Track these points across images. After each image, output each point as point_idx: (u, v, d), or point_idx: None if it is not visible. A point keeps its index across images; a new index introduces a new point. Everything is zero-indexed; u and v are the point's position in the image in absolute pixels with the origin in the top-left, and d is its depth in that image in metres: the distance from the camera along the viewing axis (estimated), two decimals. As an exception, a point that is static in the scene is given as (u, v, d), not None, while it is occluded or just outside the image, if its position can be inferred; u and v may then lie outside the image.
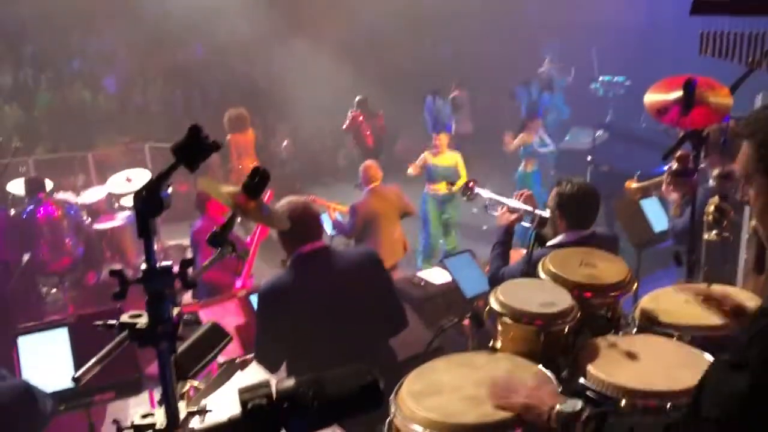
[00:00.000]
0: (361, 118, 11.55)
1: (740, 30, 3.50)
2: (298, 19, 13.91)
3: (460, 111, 12.66)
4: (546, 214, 3.79)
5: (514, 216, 3.97)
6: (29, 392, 2.78)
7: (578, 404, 1.84)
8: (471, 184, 4.43)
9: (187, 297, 5.04)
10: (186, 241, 8.92)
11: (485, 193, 4.35)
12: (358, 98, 11.70)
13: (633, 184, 4.71)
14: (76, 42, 14.15)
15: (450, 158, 8.32)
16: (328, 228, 6.84)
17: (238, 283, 5.41)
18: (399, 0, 14.18)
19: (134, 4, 13.36)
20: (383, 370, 1.52)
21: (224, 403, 1.62)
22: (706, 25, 3.63)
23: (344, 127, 11.75)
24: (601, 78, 13.27)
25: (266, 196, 5.65)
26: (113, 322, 1.57)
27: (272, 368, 3.18)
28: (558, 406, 1.87)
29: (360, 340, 3.21)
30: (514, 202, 4.03)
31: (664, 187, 4.48)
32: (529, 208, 3.94)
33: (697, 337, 2.46)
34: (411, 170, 8.47)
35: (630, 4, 13.46)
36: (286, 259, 3.39)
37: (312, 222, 3.37)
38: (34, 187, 7.33)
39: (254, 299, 4.19)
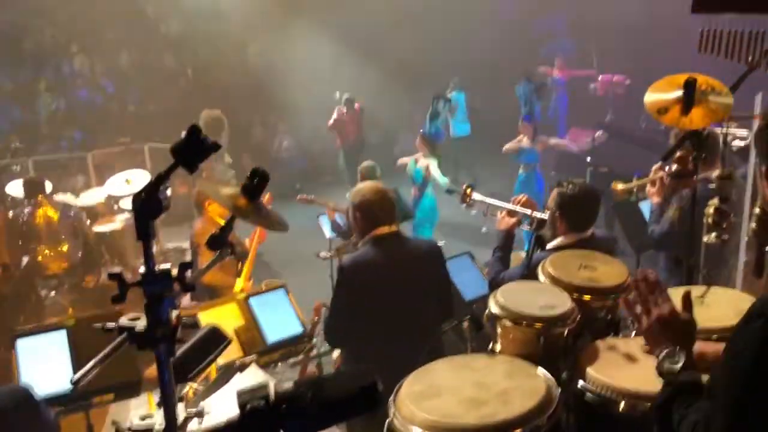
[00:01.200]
0: (345, 115, 12.13)
1: (740, 29, 3.49)
2: (299, 19, 13.89)
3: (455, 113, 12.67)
4: (545, 216, 3.78)
5: (513, 220, 3.95)
6: (30, 399, 2.78)
7: (677, 365, 1.78)
8: (469, 190, 4.40)
9: (186, 299, 5.03)
10: (185, 244, 8.93)
11: (482, 198, 4.33)
12: (346, 96, 12.25)
13: (619, 186, 4.71)
14: (76, 42, 14.13)
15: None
16: (326, 229, 6.80)
17: (238, 285, 5.41)
18: (401, 1, 14.18)
19: (134, 4, 13.38)
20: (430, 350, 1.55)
21: (223, 406, 1.61)
22: (707, 24, 3.63)
23: (330, 124, 12.21)
24: (600, 78, 13.28)
25: (265, 198, 5.65)
26: (112, 325, 1.57)
27: (337, 341, 3.79)
28: (663, 353, 1.82)
29: (416, 320, 3.54)
30: (512, 207, 4.01)
31: (647, 189, 4.48)
32: (528, 212, 3.93)
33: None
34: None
35: (630, 4, 13.45)
36: (357, 241, 3.78)
37: (388, 207, 3.70)
38: (33, 188, 7.31)
39: (254, 302, 4.19)
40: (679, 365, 1.77)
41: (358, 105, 12.49)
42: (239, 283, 4.94)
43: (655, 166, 4.48)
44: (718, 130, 4.14)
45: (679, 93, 3.30)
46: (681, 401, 1.68)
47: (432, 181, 8.14)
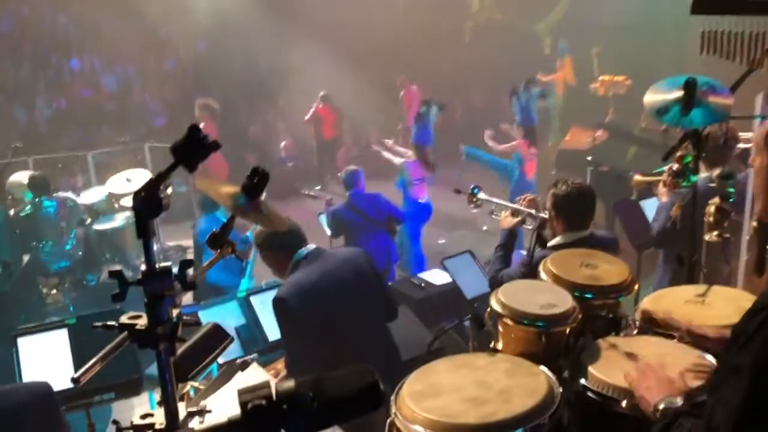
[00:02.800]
0: (322, 111, 12.58)
1: (741, 29, 3.48)
2: (298, 19, 13.90)
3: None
4: (548, 216, 3.80)
5: (516, 219, 4.00)
6: (50, 395, 2.79)
7: (678, 399, 1.85)
8: (476, 191, 4.47)
9: (188, 298, 5.03)
10: (185, 242, 8.94)
11: (488, 198, 4.41)
12: (322, 93, 12.64)
13: (638, 176, 4.76)
14: (76, 42, 14.13)
15: None
16: (326, 227, 6.78)
17: (241, 284, 5.42)
18: (399, 2, 14.18)
19: (135, 4, 13.35)
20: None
21: (224, 404, 1.61)
22: (707, 25, 3.62)
23: (306, 118, 12.73)
24: (601, 78, 13.26)
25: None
26: (113, 323, 1.56)
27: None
28: (663, 404, 1.86)
29: (366, 328, 3.43)
30: (517, 206, 4.05)
31: (659, 187, 4.50)
32: (532, 211, 3.96)
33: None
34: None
35: (630, 4, 13.46)
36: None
37: (295, 232, 3.49)
38: (38, 186, 7.31)
39: (255, 300, 4.20)
40: (679, 400, 1.83)
41: (336, 106, 12.86)
42: (243, 283, 4.96)
43: (668, 167, 4.50)
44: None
45: (679, 93, 3.30)
46: (682, 421, 1.72)
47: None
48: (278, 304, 3.29)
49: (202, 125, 7.73)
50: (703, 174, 4.09)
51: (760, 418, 1.46)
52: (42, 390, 2.80)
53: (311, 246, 3.51)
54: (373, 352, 3.36)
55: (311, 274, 3.36)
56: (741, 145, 4.77)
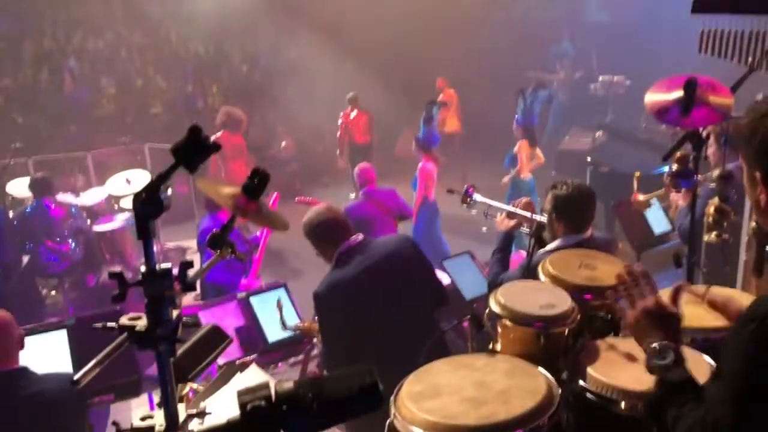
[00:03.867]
0: (351, 116, 11.61)
1: (741, 29, 3.48)
2: (299, 20, 13.90)
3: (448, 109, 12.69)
4: (544, 218, 3.78)
5: (513, 222, 3.97)
6: (75, 384, 2.80)
7: (668, 360, 1.76)
8: (470, 190, 4.44)
9: (189, 297, 5.03)
10: (185, 243, 8.94)
11: (483, 200, 4.38)
12: (350, 95, 11.72)
13: (639, 197, 4.74)
14: (76, 42, 14.12)
15: None
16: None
17: (244, 283, 5.42)
18: (401, 3, 14.19)
19: (136, 5, 13.37)
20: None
21: (224, 406, 1.61)
22: (707, 24, 3.62)
23: (339, 134, 11.76)
24: (601, 78, 13.27)
25: (272, 198, 5.66)
26: (112, 324, 1.57)
27: (341, 365, 3.37)
28: (655, 345, 1.81)
29: (412, 316, 3.46)
30: (513, 209, 4.02)
31: (672, 197, 4.48)
32: (528, 214, 3.93)
33: (697, 340, 2.46)
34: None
35: (630, 4, 13.47)
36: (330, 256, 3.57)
37: (341, 223, 3.59)
38: (40, 187, 7.31)
39: (254, 301, 4.21)
40: (668, 361, 1.75)
41: (366, 109, 11.98)
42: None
43: (665, 179, 4.50)
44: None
45: (680, 94, 3.29)
46: (674, 401, 1.67)
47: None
48: (315, 300, 3.43)
49: (220, 134, 7.72)
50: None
51: (755, 424, 1.46)
52: (69, 381, 2.83)
53: (357, 237, 3.56)
54: (417, 344, 3.35)
55: (349, 270, 3.44)
56: None
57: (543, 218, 3.78)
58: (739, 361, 1.47)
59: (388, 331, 3.39)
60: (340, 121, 11.63)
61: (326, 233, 3.53)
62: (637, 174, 5.07)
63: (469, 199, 4.43)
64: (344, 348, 3.42)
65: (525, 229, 3.97)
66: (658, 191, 4.83)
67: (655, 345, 1.80)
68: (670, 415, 1.65)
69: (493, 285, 3.65)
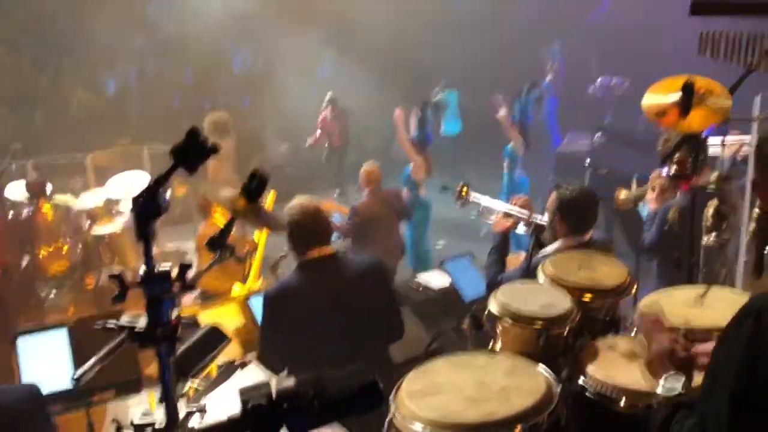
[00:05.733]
0: (328, 118, 12.19)
1: (740, 31, 3.49)
2: (297, 24, 13.91)
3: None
4: (542, 219, 3.77)
5: (509, 222, 3.93)
6: (37, 397, 2.79)
7: (680, 383, 1.81)
8: (465, 189, 4.37)
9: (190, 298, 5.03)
10: (185, 245, 8.92)
11: (479, 199, 4.31)
12: (329, 96, 12.26)
13: (622, 195, 4.71)
14: (76, 42, 14.12)
15: None
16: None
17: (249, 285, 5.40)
18: (399, 1, 14.20)
19: (135, 6, 13.37)
20: (380, 375, 1.52)
21: (224, 404, 1.62)
22: (705, 26, 3.63)
23: (317, 135, 12.33)
24: (599, 79, 13.27)
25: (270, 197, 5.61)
26: (112, 324, 1.57)
27: (274, 369, 3.15)
28: (663, 379, 1.84)
29: (358, 347, 3.19)
30: (509, 207, 3.99)
31: (647, 195, 4.48)
32: (525, 213, 3.90)
33: (697, 340, 2.45)
34: None
35: (630, 4, 13.46)
36: (277, 263, 3.51)
37: (322, 226, 3.43)
38: (36, 190, 7.31)
39: (254, 302, 4.20)
40: (680, 385, 1.80)
41: (342, 112, 12.52)
42: (249, 283, 4.96)
43: (653, 174, 4.49)
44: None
45: (678, 96, 3.29)
46: (680, 416, 1.70)
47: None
48: (263, 298, 3.35)
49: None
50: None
51: (751, 420, 1.46)
52: (29, 392, 2.79)
53: (326, 250, 3.39)
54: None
55: (304, 280, 3.33)
56: (745, 150, 4.78)
57: (541, 217, 3.76)
58: (735, 357, 1.47)
59: (330, 349, 3.14)
60: (318, 124, 12.23)
61: (300, 233, 3.36)
62: (636, 176, 5.09)
63: (463, 196, 4.34)
64: (276, 354, 3.24)
65: (522, 230, 3.94)
66: (639, 189, 4.79)
67: (669, 374, 1.85)
68: (675, 429, 1.68)
69: (493, 285, 3.64)
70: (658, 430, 1.76)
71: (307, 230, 3.35)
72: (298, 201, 3.46)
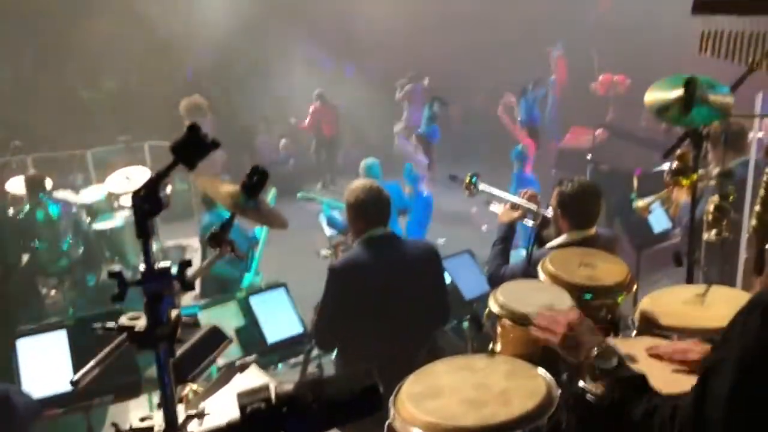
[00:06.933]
0: (319, 110, 12.90)
1: (741, 30, 3.48)
2: (298, 22, 13.90)
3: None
4: (549, 213, 3.77)
5: (516, 213, 3.93)
6: (7, 401, 2.75)
7: (614, 360, 1.85)
8: (475, 179, 4.33)
9: (189, 297, 5.03)
10: (185, 241, 8.92)
11: (488, 189, 4.28)
12: (317, 91, 12.97)
13: (640, 203, 4.72)
14: (76, 41, 14.11)
15: None
16: (326, 228, 6.79)
17: (247, 278, 5.42)
18: (399, 3, 14.20)
19: (135, 5, 13.36)
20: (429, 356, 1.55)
21: (223, 407, 1.61)
22: (706, 25, 3.62)
23: (306, 123, 13.11)
24: (600, 77, 13.27)
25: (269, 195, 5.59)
26: (112, 325, 1.56)
27: (327, 344, 3.65)
28: (595, 350, 1.89)
29: (408, 327, 3.46)
30: (518, 200, 3.98)
31: (674, 195, 4.47)
32: (533, 206, 3.90)
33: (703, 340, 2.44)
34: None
35: (630, 4, 13.45)
36: (353, 240, 3.68)
37: (382, 207, 3.60)
38: (34, 185, 7.30)
39: (254, 301, 4.20)
40: (615, 362, 1.85)
41: (333, 104, 13.13)
42: (248, 277, 4.97)
43: (666, 177, 4.48)
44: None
45: (680, 93, 3.28)
46: (637, 396, 1.72)
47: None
48: (329, 272, 3.49)
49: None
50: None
51: (751, 408, 1.45)
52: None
53: (386, 230, 3.60)
54: (405, 351, 3.35)
55: (370, 255, 3.50)
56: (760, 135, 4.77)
57: (548, 212, 3.76)
58: (740, 350, 1.47)
59: (382, 328, 3.40)
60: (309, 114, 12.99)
61: (365, 211, 3.55)
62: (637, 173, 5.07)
63: (472, 187, 4.31)
64: (334, 329, 3.50)
65: (528, 223, 3.94)
66: (658, 194, 4.80)
67: (595, 350, 1.90)
68: (639, 411, 1.68)
69: (495, 277, 3.65)
70: (612, 408, 1.78)
71: (371, 209, 3.55)
72: (359, 182, 3.69)
